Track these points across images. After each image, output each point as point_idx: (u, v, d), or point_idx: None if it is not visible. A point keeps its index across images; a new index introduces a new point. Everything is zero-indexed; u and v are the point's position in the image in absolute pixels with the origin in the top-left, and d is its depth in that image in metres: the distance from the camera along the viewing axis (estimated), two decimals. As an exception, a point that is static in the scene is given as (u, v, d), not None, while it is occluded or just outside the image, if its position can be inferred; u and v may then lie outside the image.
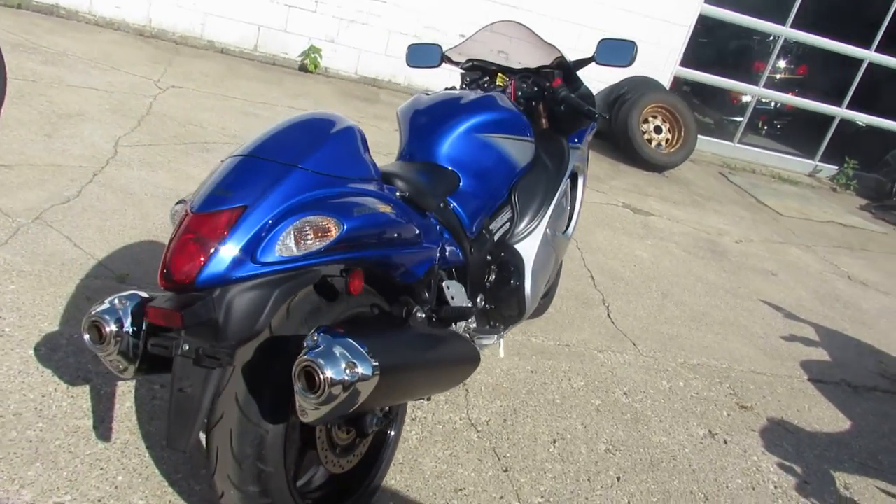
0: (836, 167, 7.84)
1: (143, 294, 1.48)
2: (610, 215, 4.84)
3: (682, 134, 6.08)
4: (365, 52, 6.21)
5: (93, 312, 1.42)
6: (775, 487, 2.42)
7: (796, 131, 8.44)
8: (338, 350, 1.24)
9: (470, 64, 2.72)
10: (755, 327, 3.68)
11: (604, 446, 2.38)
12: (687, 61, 6.96)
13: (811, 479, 2.51)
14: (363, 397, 1.26)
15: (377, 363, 1.26)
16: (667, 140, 6.12)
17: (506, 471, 2.14)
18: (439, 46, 2.77)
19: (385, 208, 1.52)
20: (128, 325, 1.41)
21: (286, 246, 1.34)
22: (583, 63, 2.56)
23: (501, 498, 2.03)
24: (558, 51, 2.53)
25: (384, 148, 4.80)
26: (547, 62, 2.58)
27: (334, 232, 1.36)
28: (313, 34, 6.05)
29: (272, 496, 1.45)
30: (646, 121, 6.10)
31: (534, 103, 2.54)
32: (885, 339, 3.98)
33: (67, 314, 2.28)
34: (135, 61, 5.11)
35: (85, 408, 1.93)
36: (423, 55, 2.76)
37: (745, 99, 7.98)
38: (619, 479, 2.25)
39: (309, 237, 1.35)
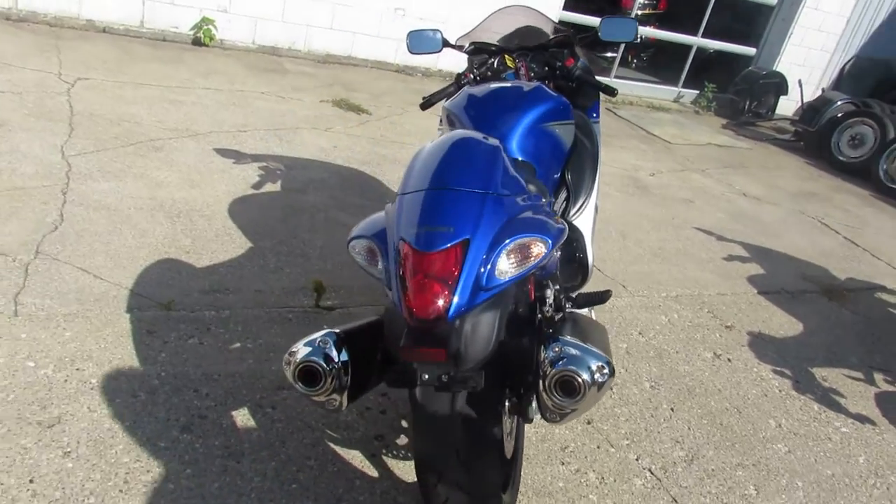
0: (697, 91, 8.66)
1: (336, 330, 1.53)
2: (542, 164, 5.13)
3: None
4: (261, 19, 5.92)
5: (298, 359, 1.47)
6: (779, 391, 2.88)
7: (660, 62, 9.18)
8: (584, 356, 1.39)
9: (472, 47, 2.81)
10: (700, 253, 4.16)
11: (648, 384, 2.71)
12: (568, 5, 7.29)
13: (800, 378, 3.00)
14: (605, 393, 1.43)
15: (610, 361, 1.43)
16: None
17: (589, 423, 2.40)
18: (440, 31, 2.82)
19: (558, 220, 1.64)
20: (337, 363, 1.47)
21: (502, 269, 1.44)
22: (585, 40, 2.74)
23: (598, 447, 2.29)
24: (564, 30, 2.69)
25: (323, 123, 4.74)
26: (550, 40, 2.72)
27: (542, 249, 1.48)
28: (204, 5, 5.65)
29: (491, 492, 1.60)
30: (544, 67, 6.39)
31: (547, 82, 2.69)
32: (793, 246, 4.65)
33: (141, 353, 2.19)
34: (21, 53, 4.56)
35: (216, 444, 1.92)
36: (425, 41, 2.79)
37: (613, 35, 8.48)
38: (672, 410, 2.58)
39: (520, 257, 1.46)
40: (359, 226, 1.62)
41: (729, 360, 3.02)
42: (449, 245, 1.39)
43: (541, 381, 1.41)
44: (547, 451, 2.22)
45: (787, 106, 8.70)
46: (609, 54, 8.25)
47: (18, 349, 2.07)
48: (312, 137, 4.42)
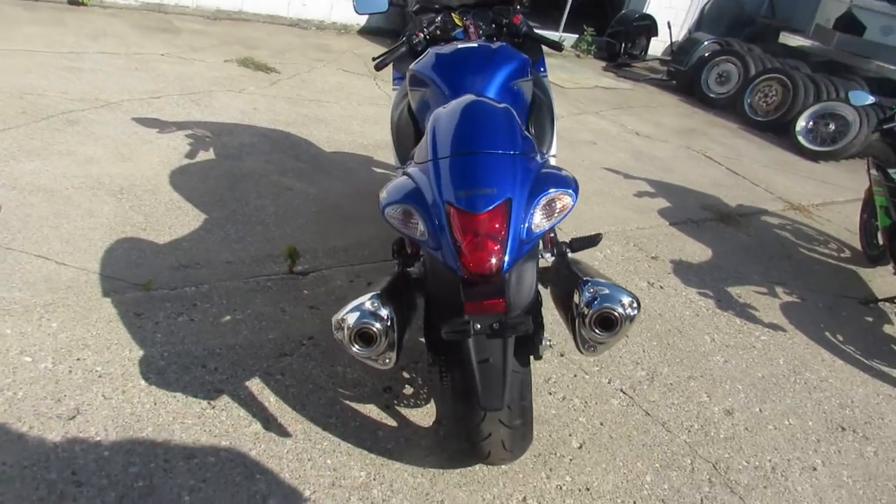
0: (577, 36, 9.03)
1: (377, 291, 1.62)
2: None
3: (474, 26, 6.57)
4: (143, -27, 5.54)
5: (352, 324, 1.55)
6: (707, 310, 3.26)
7: (540, 8, 9.44)
8: (615, 293, 1.58)
9: (417, 6, 2.86)
10: (615, 192, 4.50)
11: (601, 315, 2.98)
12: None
13: (720, 297, 3.40)
14: (634, 324, 1.63)
15: (636, 296, 1.63)
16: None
17: (562, 355, 2.63)
18: (385, -9, 2.84)
19: (566, 171, 1.79)
20: (387, 322, 1.57)
21: (536, 223, 1.59)
22: (526, -4, 2.87)
23: (575, 376, 2.54)
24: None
25: (235, 84, 4.60)
26: None
27: (569, 201, 1.63)
28: (77, -41, 5.21)
29: (527, 423, 1.78)
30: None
31: (494, 39, 2.80)
32: (687, 179, 5.11)
33: (136, 336, 2.16)
34: None
35: (242, 415, 1.97)
36: (371, 1, 2.81)
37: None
38: (626, 336, 2.87)
39: (549, 210, 1.61)
40: (387, 192, 1.69)
41: (661, 287, 3.37)
42: (495, 205, 1.52)
43: (578, 320, 1.59)
44: (534, 385, 2.42)
45: (658, 47, 9.28)
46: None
47: (9, 346, 1.99)
48: (229, 100, 4.29)
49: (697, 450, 2.31)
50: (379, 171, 3.86)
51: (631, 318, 1.58)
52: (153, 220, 2.82)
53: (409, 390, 2.25)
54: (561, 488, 2.01)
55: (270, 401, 2.05)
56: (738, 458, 2.32)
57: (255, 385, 2.09)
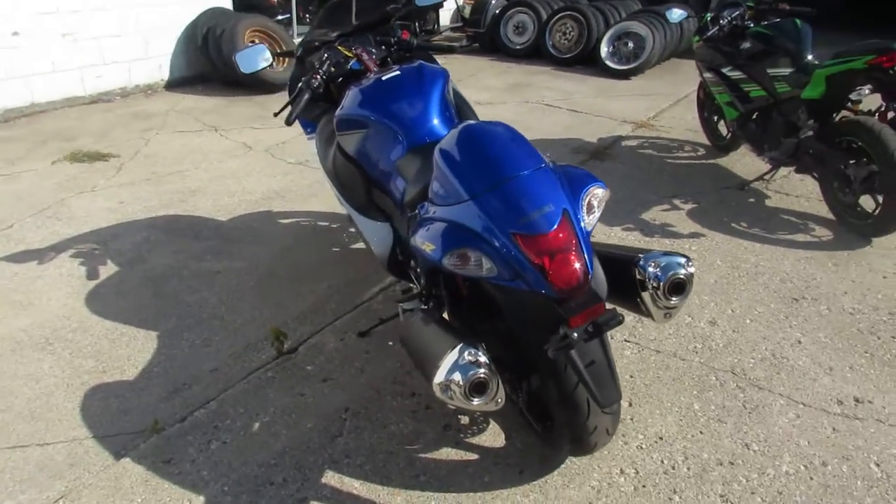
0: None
1: (462, 340, 1.62)
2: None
3: (284, 48, 6.41)
4: None
5: (462, 381, 1.55)
6: (639, 242, 3.54)
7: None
8: (673, 259, 1.71)
9: (301, 50, 2.78)
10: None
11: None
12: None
13: (641, 226, 3.70)
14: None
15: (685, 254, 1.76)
16: (278, 60, 6.39)
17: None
18: (263, 45, 2.75)
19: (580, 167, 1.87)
20: (489, 364, 1.59)
21: (587, 221, 1.67)
22: (403, 8, 2.88)
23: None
24: (386, 7, 2.80)
25: (82, 184, 4.17)
26: (373, 20, 2.83)
27: (601, 191, 1.72)
28: None
29: (619, 401, 1.88)
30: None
31: (389, 60, 2.80)
32: (544, 130, 5.42)
33: (183, 483, 1.96)
34: None
35: (340, 513, 1.89)
36: (254, 59, 2.69)
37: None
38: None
39: (590, 206, 1.69)
40: (433, 241, 1.68)
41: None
42: (559, 220, 1.57)
43: (652, 294, 1.70)
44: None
45: (445, 16, 9.59)
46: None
47: (61, 554, 1.74)
48: (87, 203, 3.88)
49: (713, 365, 2.54)
50: (286, 221, 3.71)
51: (693, 275, 1.72)
52: (105, 358, 2.53)
53: (465, 420, 2.25)
54: (641, 447, 2.14)
55: (356, 486, 1.97)
56: (744, 358, 2.58)
57: (332, 478, 2.00)
